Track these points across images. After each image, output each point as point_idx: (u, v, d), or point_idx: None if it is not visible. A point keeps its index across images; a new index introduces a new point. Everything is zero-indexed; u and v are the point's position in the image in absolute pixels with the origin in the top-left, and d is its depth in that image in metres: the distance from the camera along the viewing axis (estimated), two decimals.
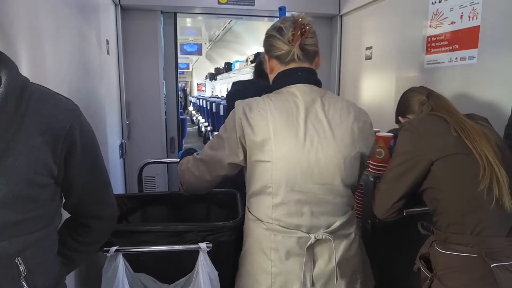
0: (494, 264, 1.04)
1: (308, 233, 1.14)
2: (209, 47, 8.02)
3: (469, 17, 1.57)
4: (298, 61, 1.18)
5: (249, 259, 1.21)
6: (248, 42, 6.46)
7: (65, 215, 0.97)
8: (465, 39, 1.61)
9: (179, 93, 3.28)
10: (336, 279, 1.16)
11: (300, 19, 1.16)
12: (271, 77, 1.26)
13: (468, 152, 1.11)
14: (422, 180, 1.20)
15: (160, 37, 2.60)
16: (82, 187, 0.89)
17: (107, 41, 2.09)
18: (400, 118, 1.48)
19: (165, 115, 2.69)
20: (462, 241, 1.11)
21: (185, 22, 6.03)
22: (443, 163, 1.14)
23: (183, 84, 17.04)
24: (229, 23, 5.00)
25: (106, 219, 1.00)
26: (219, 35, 6.23)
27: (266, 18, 2.93)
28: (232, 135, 1.15)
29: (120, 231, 1.21)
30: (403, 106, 1.46)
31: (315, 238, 1.14)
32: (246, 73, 7.20)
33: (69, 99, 0.85)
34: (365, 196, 1.59)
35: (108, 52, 2.10)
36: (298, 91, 1.17)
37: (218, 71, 8.82)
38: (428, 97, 1.35)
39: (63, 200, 0.92)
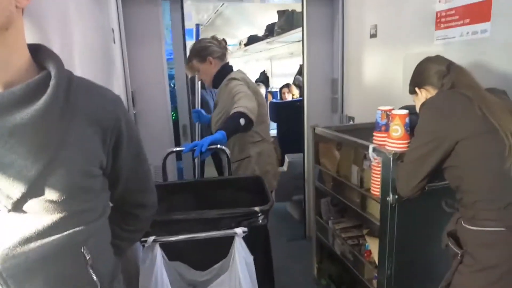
0: None
1: None
2: (200, 32, 7.87)
3: None
4: (226, 59, 2.19)
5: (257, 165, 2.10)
6: (239, 25, 6.35)
7: None
8: (476, 13, 1.61)
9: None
10: None
11: (219, 38, 2.19)
12: (215, 68, 2.13)
13: (493, 130, 1.12)
14: (446, 159, 1.20)
15: (162, 24, 2.55)
16: (128, 176, 0.90)
17: (113, 30, 2.04)
18: (416, 89, 1.43)
19: (172, 103, 2.67)
20: (490, 216, 1.12)
21: None
22: (467, 143, 1.14)
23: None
24: (221, 6, 4.89)
25: (150, 206, 1.02)
26: (210, 19, 6.08)
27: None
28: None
29: (156, 221, 1.21)
30: (420, 76, 1.41)
31: None
32: (238, 57, 7.05)
33: (109, 89, 0.85)
34: (383, 172, 1.61)
35: (114, 41, 2.06)
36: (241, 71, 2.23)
37: None
38: (448, 68, 1.32)
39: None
